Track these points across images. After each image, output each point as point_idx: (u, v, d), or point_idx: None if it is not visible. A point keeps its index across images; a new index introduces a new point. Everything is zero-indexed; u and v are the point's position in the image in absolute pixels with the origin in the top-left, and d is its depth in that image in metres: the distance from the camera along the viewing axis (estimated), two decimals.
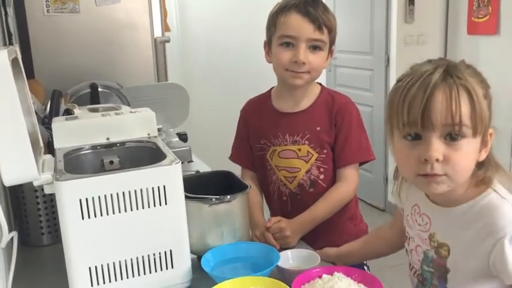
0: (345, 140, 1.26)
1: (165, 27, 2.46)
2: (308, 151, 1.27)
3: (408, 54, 3.30)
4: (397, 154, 0.87)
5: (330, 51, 1.27)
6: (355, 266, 1.01)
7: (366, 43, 3.58)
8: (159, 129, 2.07)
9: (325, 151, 1.27)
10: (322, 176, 1.28)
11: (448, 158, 0.79)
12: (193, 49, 4.10)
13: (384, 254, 1.18)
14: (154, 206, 0.93)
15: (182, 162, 2.00)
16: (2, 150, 0.82)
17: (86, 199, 0.88)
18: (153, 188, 0.93)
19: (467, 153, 0.80)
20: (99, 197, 0.89)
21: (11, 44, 2.22)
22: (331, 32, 1.22)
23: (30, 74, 2.15)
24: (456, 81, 0.78)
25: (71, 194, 0.88)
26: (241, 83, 3.89)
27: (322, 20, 1.20)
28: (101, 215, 0.90)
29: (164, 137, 2.09)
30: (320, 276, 0.93)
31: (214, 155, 3.49)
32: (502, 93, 3.06)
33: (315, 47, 1.22)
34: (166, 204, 0.94)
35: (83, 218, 0.89)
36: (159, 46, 2.40)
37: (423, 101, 0.77)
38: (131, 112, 1.18)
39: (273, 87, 1.37)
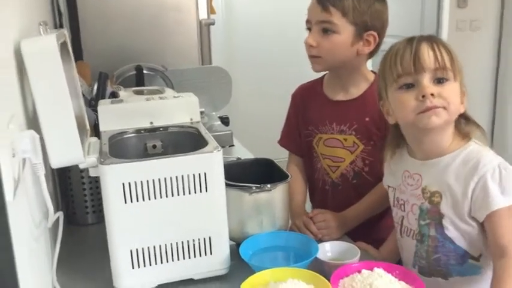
0: None
1: (211, 10, 2.45)
2: (354, 142, 1.24)
3: (460, 40, 3.17)
4: (396, 105, 0.99)
5: (364, 38, 1.18)
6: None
7: (415, 28, 3.46)
8: (201, 113, 2.08)
9: (372, 143, 1.23)
10: (366, 169, 1.24)
11: (440, 94, 0.94)
12: (238, 32, 4.07)
13: None
14: (195, 192, 0.94)
15: (223, 147, 2.04)
16: (50, 134, 0.84)
17: (129, 183, 0.90)
18: (194, 174, 0.93)
19: (454, 91, 0.96)
20: (141, 181, 0.90)
21: (61, 25, 2.28)
22: (347, 14, 1.15)
23: (78, 56, 2.21)
24: (435, 40, 0.97)
25: (115, 178, 0.89)
26: (286, 68, 3.84)
27: (331, 1, 1.15)
28: (143, 199, 0.91)
29: (206, 120, 2.09)
30: (359, 271, 0.91)
31: (256, 140, 3.50)
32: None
33: (325, 30, 1.18)
34: (206, 191, 0.95)
35: (125, 202, 0.90)
36: (204, 29, 2.40)
37: (412, 52, 0.94)
38: (175, 97, 1.19)
39: (326, 73, 1.33)
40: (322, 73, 1.33)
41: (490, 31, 3.25)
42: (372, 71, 1.28)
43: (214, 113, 2.22)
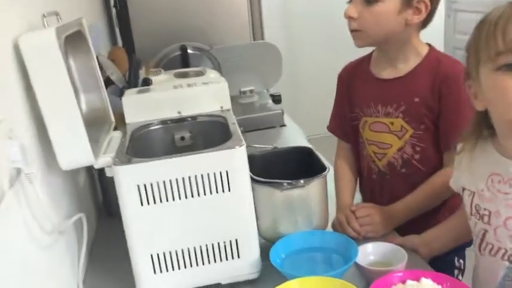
0: (451, 117, 1.05)
1: None
2: (402, 126, 1.09)
3: None
4: (491, 92, 0.77)
5: (413, 5, 1.02)
6: (446, 257, 0.85)
7: None
8: (251, 91, 2.01)
9: (422, 127, 1.07)
10: (417, 156, 1.09)
11: None
12: (298, 4, 3.89)
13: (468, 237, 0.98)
14: (217, 192, 0.86)
15: (274, 127, 1.94)
16: (56, 135, 0.79)
17: (144, 185, 0.83)
18: (214, 173, 0.85)
19: None
20: (157, 182, 0.83)
21: (115, 6, 2.27)
22: None
23: (129, 38, 2.19)
24: None
25: (129, 179, 0.83)
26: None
27: None
28: (160, 201, 0.84)
29: (256, 98, 2.01)
30: (404, 282, 0.79)
31: (317, 115, 3.36)
32: None
33: (368, 0, 1.02)
34: (229, 190, 0.86)
35: (142, 204, 0.84)
36: (254, 2, 2.28)
37: None
38: (204, 83, 1.10)
39: (374, 49, 1.18)
40: (371, 48, 1.18)
41: None
42: (427, 44, 1.11)
43: (265, 91, 2.13)
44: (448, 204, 1.12)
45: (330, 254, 0.93)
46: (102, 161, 0.86)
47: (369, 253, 0.92)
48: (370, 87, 1.14)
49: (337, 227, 1.05)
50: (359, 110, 1.16)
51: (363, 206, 1.07)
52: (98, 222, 1.23)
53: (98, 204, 1.28)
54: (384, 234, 1.03)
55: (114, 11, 2.27)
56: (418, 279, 0.79)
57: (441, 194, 1.07)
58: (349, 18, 1.05)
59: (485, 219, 0.84)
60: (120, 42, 2.28)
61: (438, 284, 0.78)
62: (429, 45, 1.11)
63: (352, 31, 1.07)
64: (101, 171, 1.23)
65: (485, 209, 0.84)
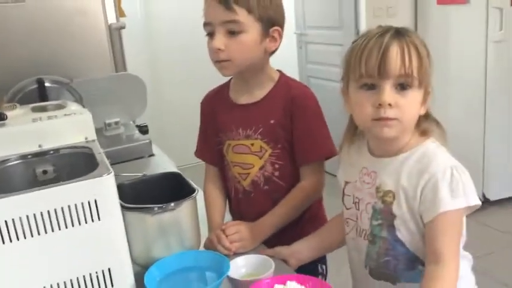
0: (304, 135, 1.16)
1: (120, 12, 2.33)
2: (261, 146, 1.18)
3: None
4: (354, 104, 0.95)
5: (270, 34, 1.12)
6: (310, 265, 0.95)
7: (334, 17, 3.48)
8: (116, 123, 1.98)
9: (279, 146, 1.17)
10: (277, 173, 1.19)
11: (398, 104, 0.89)
12: (159, 34, 3.94)
13: (337, 244, 1.13)
14: (86, 222, 0.85)
15: (142, 157, 1.93)
16: None
17: (5, 221, 0.79)
18: (82, 203, 0.84)
19: (414, 101, 0.92)
20: (20, 218, 0.80)
21: None
22: (252, 10, 1.08)
23: None
24: (407, 39, 0.90)
25: None
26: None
27: None
28: (25, 237, 0.81)
29: (123, 130, 1.99)
30: (272, 287, 0.86)
31: (183, 143, 3.41)
32: (471, 61, 3.02)
33: (231, 32, 1.09)
34: (99, 219, 0.86)
35: (3, 243, 0.80)
36: (114, 33, 2.27)
37: (380, 53, 0.88)
38: (66, 115, 1.09)
39: (232, 78, 1.26)
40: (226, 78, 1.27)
41: (406, 16, 3.32)
42: (277, 70, 1.23)
43: (131, 122, 2.11)
44: (307, 215, 1.23)
45: (204, 271, 0.97)
46: None
47: (240, 266, 0.98)
48: (231, 113, 1.21)
49: (209, 246, 1.09)
50: (222, 134, 1.23)
51: (232, 224, 1.13)
52: None
53: None
54: (253, 248, 1.10)
55: None
56: (284, 283, 0.86)
57: (300, 205, 1.18)
58: (218, 50, 1.09)
59: (357, 205, 1.02)
60: None
61: (302, 284, 0.86)
62: (279, 71, 1.22)
63: (219, 62, 1.11)
64: None
65: (356, 197, 1.03)
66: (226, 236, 1.08)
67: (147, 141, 1.90)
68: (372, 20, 3.25)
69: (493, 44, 2.85)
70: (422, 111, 0.95)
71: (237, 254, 1.05)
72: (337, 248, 1.16)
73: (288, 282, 0.86)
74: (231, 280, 0.93)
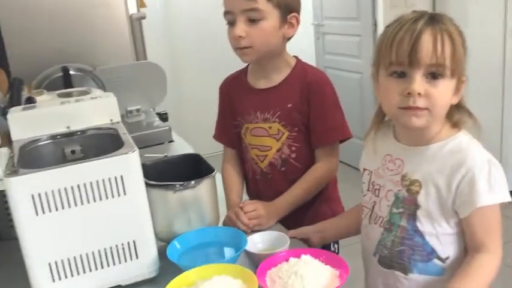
0: (320, 118, 1.21)
1: (140, 3, 2.38)
2: (279, 129, 1.22)
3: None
4: (382, 91, 0.94)
5: (288, 20, 1.17)
6: (324, 247, 0.98)
7: (352, 8, 3.49)
8: (137, 110, 2.05)
9: (296, 129, 1.22)
10: (294, 155, 1.23)
11: (428, 93, 0.87)
12: (179, 23, 3.99)
13: (356, 230, 1.14)
14: (113, 196, 0.90)
15: (162, 143, 1.99)
16: None
17: (39, 194, 0.85)
18: (109, 178, 0.89)
19: (445, 91, 0.89)
20: (52, 191, 0.86)
21: None
22: None
23: (3, 61, 2.10)
24: (441, 27, 0.87)
25: (22, 189, 0.84)
26: (232, 57, 3.78)
27: None
28: (56, 209, 0.87)
29: (143, 117, 2.05)
30: (287, 260, 0.91)
31: (200, 133, 3.46)
32: (490, 51, 3.01)
33: (251, 20, 1.14)
34: (125, 194, 0.91)
35: (37, 214, 0.86)
36: (135, 23, 2.32)
37: (411, 41, 0.85)
38: (92, 98, 1.14)
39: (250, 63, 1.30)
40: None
41: (424, 7, 3.31)
42: (294, 56, 1.27)
43: (152, 110, 2.17)
44: (322, 196, 1.28)
45: (223, 246, 1.02)
46: None
47: (257, 242, 1.02)
48: (249, 97, 1.26)
49: (228, 223, 1.14)
50: (240, 118, 1.28)
51: (250, 202, 1.17)
52: None
53: None
54: (270, 226, 1.15)
55: None
56: (299, 256, 0.91)
57: (314, 186, 1.23)
58: (239, 37, 1.14)
59: (376, 192, 1.02)
60: None
61: (316, 257, 0.90)
62: (296, 57, 1.26)
63: (241, 48, 1.16)
64: None
65: (377, 184, 1.02)
66: (245, 213, 1.13)
67: (167, 127, 1.95)
68: (389, 10, 3.24)
69: (511, 33, 2.84)
70: (455, 101, 0.93)
71: (254, 231, 1.10)
72: (355, 233, 1.16)
73: (303, 256, 0.90)
74: (249, 254, 0.97)
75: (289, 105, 1.21)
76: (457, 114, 0.95)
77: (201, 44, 4.00)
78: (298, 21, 1.19)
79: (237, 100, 1.29)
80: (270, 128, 1.23)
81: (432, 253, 0.95)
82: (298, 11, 1.19)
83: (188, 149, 1.86)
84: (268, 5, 1.13)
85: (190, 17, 3.97)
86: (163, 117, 2.09)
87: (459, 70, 0.89)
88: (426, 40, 0.85)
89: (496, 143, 3.01)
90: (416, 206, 0.94)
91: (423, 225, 0.94)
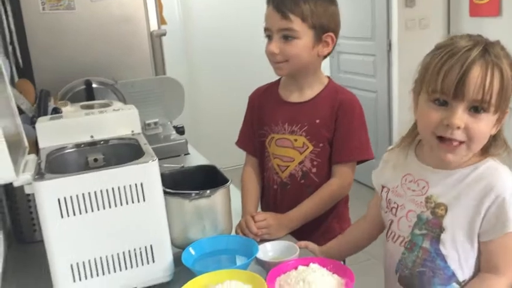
0: (344, 136, 1.25)
1: (161, 20, 2.47)
2: (304, 143, 1.27)
3: (410, 38, 3.26)
4: (420, 114, 0.92)
5: (323, 40, 1.23)
6: None
7: (367, 29, 3.55)
8: (155, 123, 2.11)
9: (321, 145, 1.26)
10: (314, 170, 1.27)
11: (468, 128, 0.85)
12: (197, 40, 4.10)
13: (362, 245, 1.18)
14: (133, 202, 0.95)
15: (178, 155, 2.05)
16: None
17: (65, 198, 0.91)
18: (130, 185, 0.95)
19: (486, 126, 0.87)
20: (77, 195, 0.91)
21: (11, 43, 2.26)
22: (306, 19, 1.19)
23: (29, 73, 2.19)
24: (493, 60, 0.84)
25: (49, 193, 0.90)
26: (248, 74, 3.88)
27: (289, 8, 1.18)
28: (80, 213, 0.92)
29: (161, 130, 2.11)
30: (296, 268, 0.95)
31: (218, 146, 3.52)
32: None
33: (286, 37, 1.21)
34: (144, 200, 0.96)
35: (62, 217, 0.91)
36: (156, 40, 2.41)
37: (460, 73, 0.83)
38: (114, 110, 1.20)
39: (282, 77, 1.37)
40: (273, 77, 1.36)
41: (438, 28, 3.36)
42: (327, 76, 1.32)
43: (169, 123, 2.24)
44: (333, 214, 1.32)
45: (235, 254, 1.06)
46: (22, 178, 0.92)
47: (268, 250, 1.07)
48: (279, 108, 1.31)
49: (239, 230, 1.19)
50: (268, 127, 1.33)
51: (261, 213, 1.22)
52: (8, 250, 1.25)
53: (7, 231, 1.30)
54: (279, 237, 1.18)
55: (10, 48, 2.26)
56: (307, 264, 0.95)
57: (326, 202, 1.27)
58: (274, 53, 1.22)
59: (393, 211, 1.02)
60: (16, 77, 2.27)
61: (323, 266, 0.94)
62: (328, 77, 1.33)
63: (276, 63, 1.24)
64: (10, 200, 1.26)
65: (394, 203, 1.02)
66: (255, 222, 1.17)
67: (183, 140, 2.02)
68: (404, 31, 3.30)
69: None
70: (494, 132, 0.91)
71: (265, 240, 1.14)
72: (360, 250, 1.19)
73: (311, 264, 0.94)
74: (260, 261, 1.02)
75: (317, 121, 1.26)
76: (492, 142, 0.93)
77: (218, 61, 4.09)
78: (333, 40, 1.25)
79: (266, 110, 1.34)
80: (295, 140, 1.28)
81: (452, 277, 0.95)
82: (334, 31, 1.25)
83: (203, 162, 1.92)
84: (303, 26, 1.20)
85: (209, 34, 4.07)
86: (180, 130, 2.16)
87: (505, 105, 0.87)
88: (475, 74, 0.83)
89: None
90: (441, 229, 0.93)
91: (446, 249, 0.93)
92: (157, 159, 0.98)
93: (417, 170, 0.99)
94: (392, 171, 1.04)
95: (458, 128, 0.85)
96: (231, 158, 2.83)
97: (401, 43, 3.29)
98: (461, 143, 0.87)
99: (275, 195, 1.34)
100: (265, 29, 1.25)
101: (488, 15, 3.03)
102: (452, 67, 0.84)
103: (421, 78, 0.91)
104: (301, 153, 1.28)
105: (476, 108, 0.85)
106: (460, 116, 0.85)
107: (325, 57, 1.29)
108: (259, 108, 1.36)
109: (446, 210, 0.92)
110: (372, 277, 1.11)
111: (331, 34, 1.24)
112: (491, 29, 3.01)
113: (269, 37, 1.25)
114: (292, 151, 1.29)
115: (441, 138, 0.88)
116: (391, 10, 3.32)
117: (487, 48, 0.85)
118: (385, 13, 3.35)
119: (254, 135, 1.37)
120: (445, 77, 0.84)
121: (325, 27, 1.22)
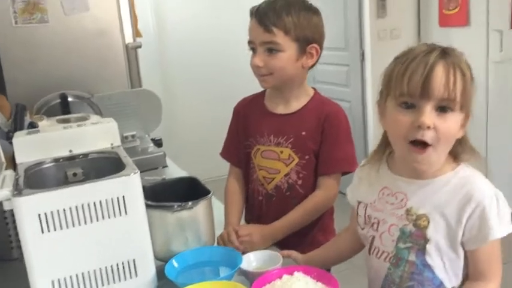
0: (330, 148, 1.25)
1: (136, 33, 2.46)
2: (290, 155, 1.27)
3: (383, 48, 3.33)
4: (389, 121, 0.93)
5: (307, 51, 1.22)
6: None
7: (340, 39, 3.61)
8: (132, 136, 2.10)
9: (307, 157, 1.26)
10: (300, 182, 1.27)
11: (436, 127, 0.87)
12: (172, 52, 4.09)
13: (345, 257, 1.17)
14: (115, 216, 0.95)
15: (156, 168, 2.03)
16: None
17: (45, 213, 0.89)
18: (112, 198, 0.94)
19: (453, 125, 0.89)
20: (57, 210, 0.90)
21: None
22: (289, 31, 1.19)
23: (2, 87, 2.15)
24: (454, 61, 0.88)
25: (29, 209, 0.89)
26: (224, 85, 3.91)
27: (271, 21, 1.19)
28: (61, 228, 0.91)
29: (138, 143, 2.10)
30: (280, 277, 0.95)
31: (194, 159, 3.51)
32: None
33: (270, 50, 1.21)
34: (126, 214, 0.95)
35: (42, 232, 0.90)
36: (131, 52, 2.40)
37: (424, 73, 0.85)
38: (93, 123, 1.19)
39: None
40: (253, 87, 1.36)
41: (409, 38, 3.44)
42: (312, 88, 1.33)
43: (146, 136, 2.23)
44: (318, 225, 1.32)
45: (219, 265, 1.06)
46: (1, 194, 0.90)
47: (251, 260, 1.07)
48: (265, 120, 1.31)
49: (220, 242, 1.18)
50: (253, 139, 1.33)
51: (246, 226, 1.22)
52: None
53: None
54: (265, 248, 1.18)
55: None
56: (291, 273, 0.95)
57: (311, 213, 1.27)
58: (257, 67, 1.23)
59: (375, 226, 1.00)
60: None
61: (307, 274, 0.94)
62: (314, 88, 1.33)
63: (261, 75, 1.24)
64: None
65: (375, 218, 1.01)
66: (239, 236, 1.17)
67: (161, 153, 2.00)
68: (377, 42, 3.37)
69: (493, 64, 2.96)
70: (460, 135, 0.93)
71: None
72: (342, 262, 1.19)
73: (295, 273, 0.95)
74: (243, 272, 1.02)
75: (303, 133, 1.26)
76: (458, 148, 0.94)
77: (193, 72, 4.10)
78: (318, 52, 1.25)
79: (252, 121, 1.34)
80: (281, 152, 1.27)
81: (440, 285, 0.95)
82: (319, 42, 1.25)
83: (181, 174, 1.91)
84: (286, 39, 1.20)
85: (183, 45, 4.07)
86: (158, 142, 2.14)
87: (468, 105, 0.90)
88: (439, 73, 0.85)
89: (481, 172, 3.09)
90: (426, 240, 0.93)
91: (433, 259, 0.93)
92: (139, 172, 0.98)
93: (393, 183, 0.99)
94: (368, 187, 1.04)
95: (428, 127, 0.86)
96: (210, 170, 2.84)
97: (374, 53, 3.36)
98: (429, 146, 0.88)
99: (260, 207, 1.34)
100: (249, 42, 1.25)
101: (457, 25, 3.11)
102: (416, 68, 0.86)
103: (387, 86, 0.93)
104: (287, 165, 1.28)
105: (443, 108, 0.87)
106: (429, 115, 0.86)
107: (310, 68, 1.29)
108: (244, 119, 1.36)
109: (428, 221, 0.93)
110: (354, 285, 1.12)
111: (316, 45, 1.24)
112: (460, 38, 3.10)
113: (253, 50, 1.24)
114: (278, 163, 1.29)
115: (413, 143, 0.89)
116: (363, 21, 3.39)
117: (445, 51, 0.89)
118: (357, 24, 3.42)
119: (239, 145, 1.37)
120: (410, 79, 0.86)
121: (309, 39, 1.22)
